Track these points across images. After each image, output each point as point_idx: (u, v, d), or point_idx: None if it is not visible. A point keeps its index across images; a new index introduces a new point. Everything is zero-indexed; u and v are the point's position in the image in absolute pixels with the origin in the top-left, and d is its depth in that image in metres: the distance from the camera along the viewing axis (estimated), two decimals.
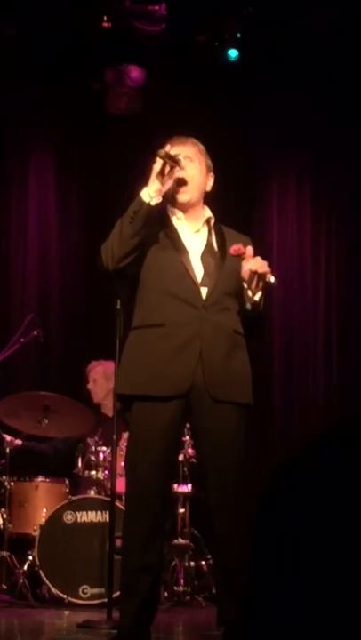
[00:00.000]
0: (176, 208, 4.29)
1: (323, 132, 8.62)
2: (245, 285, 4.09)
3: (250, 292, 4.10)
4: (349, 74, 8.07)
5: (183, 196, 4.26)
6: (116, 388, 4.26)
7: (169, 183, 4.15)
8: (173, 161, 4.12)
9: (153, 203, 4.09)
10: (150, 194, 4.08)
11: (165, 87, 8.41)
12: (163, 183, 4.12)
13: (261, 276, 4.06)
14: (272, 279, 4.07)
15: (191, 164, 4.24)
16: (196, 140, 4.36)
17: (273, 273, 4.08)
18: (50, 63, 8.17)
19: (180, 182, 4.21)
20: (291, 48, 8.16)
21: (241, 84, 8.36)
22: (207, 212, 4.32)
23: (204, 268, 4.17)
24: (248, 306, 4.12)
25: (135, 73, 8.23)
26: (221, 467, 4.03)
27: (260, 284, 4.08)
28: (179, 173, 4.17)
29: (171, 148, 4.16)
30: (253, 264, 4.05)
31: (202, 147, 4.34)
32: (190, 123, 7.98)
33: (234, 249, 4.10)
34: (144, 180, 4.15)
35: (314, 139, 8.68)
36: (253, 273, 4.04)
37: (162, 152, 4.10)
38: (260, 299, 4.12)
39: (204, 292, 4.12)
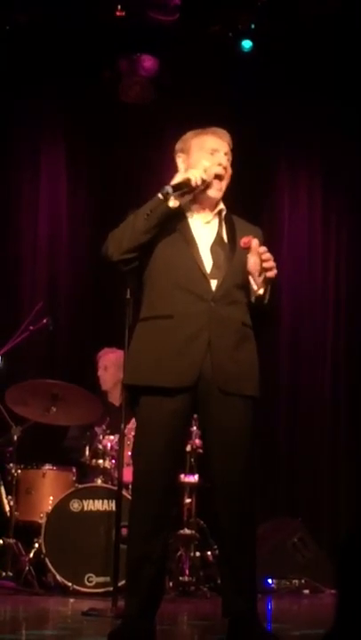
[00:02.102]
0: (194, 199, 4.27)
1: (335, 122, 8.58)
2: (250, 279, 4.09)
3: (254, 286, 4.10)
4: None
5: (215, 192, 4.23)
6: (124, 379, 4.26)
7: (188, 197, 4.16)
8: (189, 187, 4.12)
9: (171, 205, 4.08)
10: (165, 189, 4.06)
11: (178, 77, 8.40)
12: (182, 195, 4.12)
13: (265, 271, 4.06)
14: (260, 291, 4.08)
15: (228, 164, 4.24)
16: (228, 133, 4.32)
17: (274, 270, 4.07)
18: (62, 51, 8.16)
19: (218, 177, 4.21)
20: (304, 39, 8.14)
21: (254, 75, 8.34)
22: (220, 204, 4.30)
23: (213, 260, 4.16)
24: (253, 299, 4.12)
25: (148, 62, 8.22)
26: (228, 460, 4.02)
27: (265, 279, 4.08)
28: (215, 170, 4.15)
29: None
30: (263, 254, 4.05)
31: (231, 140, 4.32)
32: (202, 113, 8.01)
33: (244, 241, 4.09)
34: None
35: (326, 128, 8.65)
36: (258, 267, 4.04)
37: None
38: (265, 292, 4.12)
39: (213, 284, 4.10)
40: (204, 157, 4.21)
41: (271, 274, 4.08)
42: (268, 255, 4.07)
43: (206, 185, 4.17)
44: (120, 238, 4.12)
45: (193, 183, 4.10)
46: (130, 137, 8.48)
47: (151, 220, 4.06)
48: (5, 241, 8.32)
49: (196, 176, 4.10)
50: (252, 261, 4.06)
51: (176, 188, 4.06)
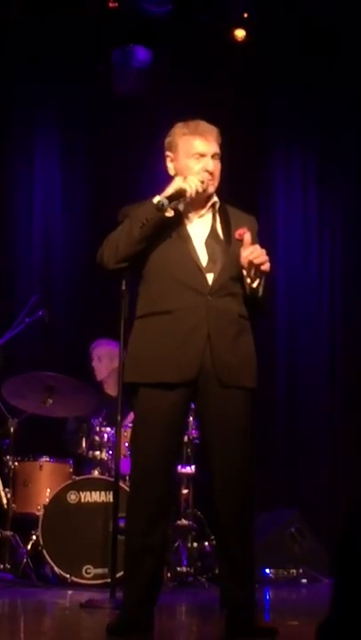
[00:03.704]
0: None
1: (329, 110, 8.58)
2: (244, 272, 4.09)
3: (248, 279, 4.10)
4: (357, 52, 8.06)
5: (209, 188, 4.22)
6: (124, 377, 4.26)
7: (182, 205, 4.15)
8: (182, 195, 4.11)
9: (167, 215, 4.08)
10: (160, 201, 4.04)
11: (171, 68, 8.39)
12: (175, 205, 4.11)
13: (258, 266, 4.06)
14: (254, 284, 4.09)
15: (217, 163, 4.22)
16: (216, 129, 4.28)
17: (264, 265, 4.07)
18: (56, 43, 8.15)
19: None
20: (297, 27, 8.13)
21: (247, 65, 8.33)
22: (213, 197, 4.29)
23: (208, 254, 4.15)
24: (247, 291, 4.13)
25: (141, 54, 8.21)
26: (227, 452, 4.04)
27: (257, 273, 4.08)
28: (203, 178, 4.14)
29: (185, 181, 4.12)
30: (251, 254, 4.05)
31: (220, 135, 4.29)
32: (195, 103, 8.01)
33: (239, 233, 4.09)
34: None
35: (320, 116, 8.64)
36: (250, 263, 4.04)
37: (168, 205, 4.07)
38: (259, 285, 4.12)
39: (209, 278, 4.11)
40: (192, 163, 4.19)
41: (265, 267, 4.08)
42: (258, 252, 4.06)
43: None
44: (116, 246, 4.12)
45: (188, 195, 4.10)
46: (124, 127, 8.46)
47: (147, 228, 4.06)
48: None
49: (192, 187, 4.08)
50: (245, 255, 4.06)
51: (171, 198, 4.06)
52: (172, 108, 8.05)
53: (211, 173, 4.18)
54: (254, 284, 4.11)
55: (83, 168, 8.60)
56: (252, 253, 4.04)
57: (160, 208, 4.02)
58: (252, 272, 4.07)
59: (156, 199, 4.04)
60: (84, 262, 8.21)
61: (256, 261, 4.04)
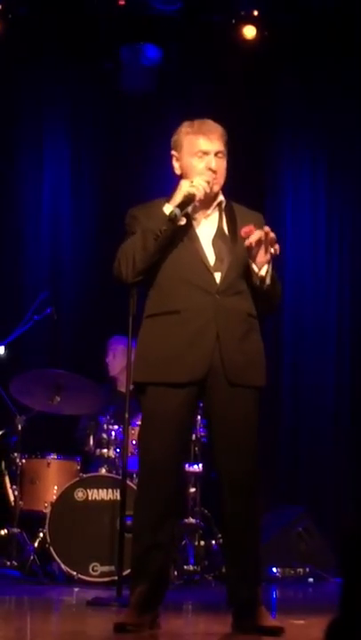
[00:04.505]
0: None
1: (338, 109, 8.55)
2: (251, 263, 4.08)
3: (255, 267, 4.10)
4: None
5: (214, 187, 4.21)
6: (133, 376, 4.27)
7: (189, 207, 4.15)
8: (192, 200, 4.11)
9: (180, 224, 4.08)
10: (172, 212, 4.04)
11: (180, 66, 8.38)
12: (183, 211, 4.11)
13: (267, 245, 4.04)
14: (262, 272, 4.07)
15: (221, 162, 4.20)
16: (221, 128, 4.28)
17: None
18: (64, 41, 8.15)
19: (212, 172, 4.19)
20: (308, 25, 8.12)
21: (257, 63, 8.32)
22: (219, 196, 4.29)
23: (215, 253, 4.15)
24: (256, 281, 4.12)
25: (151, 52, 8.21)
26: (234, 451, 4.04)
27: (266, 256, 4.06)
28: (207, 178, 4.14)
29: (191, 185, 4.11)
30: (259, 233, 4.04)
31: (226, 136, 4.27)
32: (205, 102, 8.01)
33: (245, 231, 4.08)
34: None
35: (329, 116, 8.61)
36: (259, 242, 4.03)
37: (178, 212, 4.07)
38: (267, 273, 4.11)
39: (217, 277, 4.11)
40: (195, 162, 4.19)
41: (275, 248, 4.06)
42: (268, 231, 4.05)
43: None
44: (132, 261, 4.10)
45: (198, 198, 4.10)
46: (132, 125, 8.47)
47: (161, 240, 4.06)
48: (8, 229, 8.32)
49: (200, 190, 4.08)
50: (253, 238, 4.04)
51: (182, 206, 4.06)
52: (181, 106, 8.06)
53: (214, 171, 4.18)
54: (263, 271, 4.10)
55: (91, 166, 8.60)
56: (263, 234, 4.03)
57: (173, 219, 4.03)
58: (261, 253, 4.06)
59: (168, 210, 4.05)
60: (92, 260, 8.22)
61: (267, 237, 4.02)
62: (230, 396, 4.05)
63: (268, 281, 4.13)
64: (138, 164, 8.35)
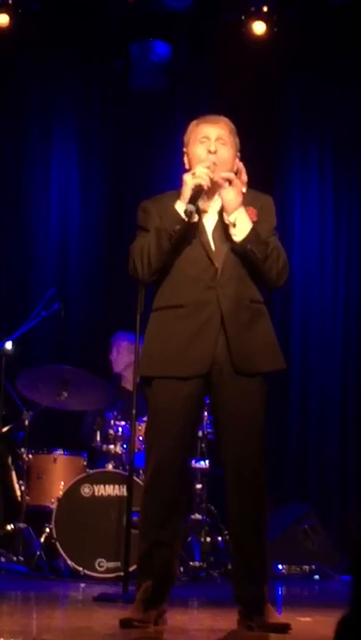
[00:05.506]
0: None
1: (346, 105, 8.53)
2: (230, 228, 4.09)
3: (233, 230, 4.09)
4: None
5: (217, 176, 4.20)
6: (139, 370, 4.27)
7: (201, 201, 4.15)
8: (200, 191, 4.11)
9: (194, 220, 4.09)
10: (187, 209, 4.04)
11: (190, 62, 8.37)
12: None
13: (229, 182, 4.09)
14: (237, 237, 4.07)
15: (223, 148, 4.19)
16: (227, 119, 4.29)
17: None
18: (73, 38, 8.15)
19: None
20: (318, 22, 8.11)
21: (266, 59, 8.30)
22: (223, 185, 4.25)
23: (215, 243, 4.13)
24: (234, 239, 4.10)
25: (160, 48, 8.20)
26: (240, 445, 4.04)
27: (230, 193, 4.10)
28: (208, 162, 4.13)
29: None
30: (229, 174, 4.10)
31: (233, 126, 4.27)
32: (214, 98, 8.01)
33: (223, 177, 4.10)
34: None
35: (337, 113, 8.60)
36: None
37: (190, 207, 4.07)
38: (247, 238, 4.08)
39: (218, 267, 4.10)
40: (198, 149, 4.19)
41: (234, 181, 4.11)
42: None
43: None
44: (147, 261, 4.11)
45: (205, 187, 4.09)
46: (141, 122, 8.47)
47: (175, 238, 4.07)
48: (17, 226, 8.32)
49: (203, 178, 4.07)
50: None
51: (193, 200, 4.05)
52: (190, 102, 8.06)
53: (213, 153, 4.15)
54: (231, 218, 4.08)
55: (100, 162, 8.59)
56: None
57: (189, 215, 4.04)
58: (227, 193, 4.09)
59: (182, 208, 4.04)
60: (100, 256, 8.22)
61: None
62: (236, 389, 4.03)
63: (249, 246, 4.08)
64: (147, 161, 8.35)
